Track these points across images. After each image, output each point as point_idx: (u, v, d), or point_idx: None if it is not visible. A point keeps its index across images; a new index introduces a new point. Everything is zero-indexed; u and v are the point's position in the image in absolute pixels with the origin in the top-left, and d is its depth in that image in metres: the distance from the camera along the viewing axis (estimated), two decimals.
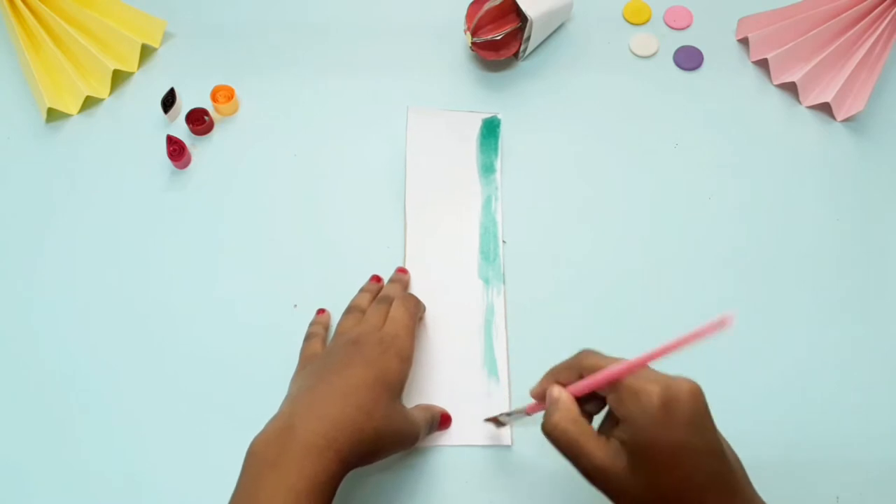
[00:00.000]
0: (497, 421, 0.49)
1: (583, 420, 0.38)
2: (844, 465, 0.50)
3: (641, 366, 0.35)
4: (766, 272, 0.55)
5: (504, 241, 0.56)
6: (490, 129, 0.59)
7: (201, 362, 0.52)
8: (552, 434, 0.38)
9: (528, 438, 0.49)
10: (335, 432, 0.38)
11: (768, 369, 0.52)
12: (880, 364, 0.53)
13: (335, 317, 0.53)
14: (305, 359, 0.49)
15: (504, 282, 0.54)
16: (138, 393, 0.51)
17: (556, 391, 0.39)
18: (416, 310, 0.49)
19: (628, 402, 0.36)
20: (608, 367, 0.37)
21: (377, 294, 0.52)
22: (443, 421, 0.49)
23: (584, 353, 0.40)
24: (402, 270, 0.54)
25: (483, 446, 0.49)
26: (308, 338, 0.51)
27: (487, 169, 0.58)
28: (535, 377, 0.50)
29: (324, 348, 0.49)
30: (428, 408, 0.48)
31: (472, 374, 0.51)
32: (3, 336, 0.53)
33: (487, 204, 0.57)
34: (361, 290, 0.52)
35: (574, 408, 0.38)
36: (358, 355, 0.43)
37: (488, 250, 0.55)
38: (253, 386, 0.51)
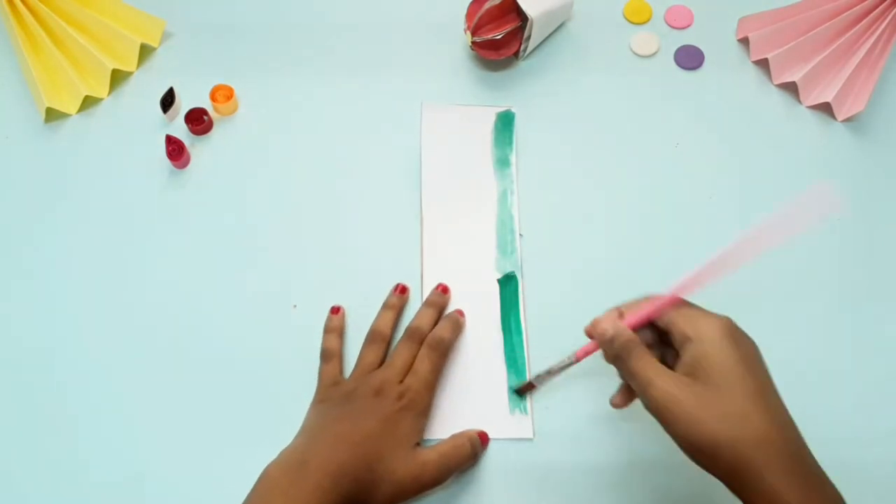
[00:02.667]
0: (529, 387, 0.50)
1: (646, 350, 0.40)
2: (844, 465, 0.49)
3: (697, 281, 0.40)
4: (766, 272, 0.55)
5: (521, 235, 0.56)
6: (505, 123, 0.59)
7: (200, 362, 0.52)
8: (619, 358, 0.41)
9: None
10: (341, 477, 0.42)
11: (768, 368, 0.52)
12: (880, 364, 0.53)
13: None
14: (325, 388, 0.49)
15: (522, 275, 0.54)
16: (137, 393, 0.51)
17: (614, 326, 0.41)
18: (443, 363, 0.50)
19: (695, 327, 0.39)
20: (657, 299, 0.41)
21: (400, 311, 0.52)
22: (482, 441, 0.49)
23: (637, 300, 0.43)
24: (443, 289, 0.53)
25: (505, 440, 0.49)
26: (325, 357, 0.51)
27: (502, 163, 0.58)
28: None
29: (341, 372, 0.50)
30: (458, 444, 0.47)
31: (493, 368, 0.51)
32: (1, 336, 0.53)
33: (503, 198, 0.57)
34: (384, 307, 0.52)
35: (634, 337, 0.41)
36: (375, 407, 0.46)
37: (505, 244, 0.55)
38: (252, 386, 0.51)
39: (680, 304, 0.41)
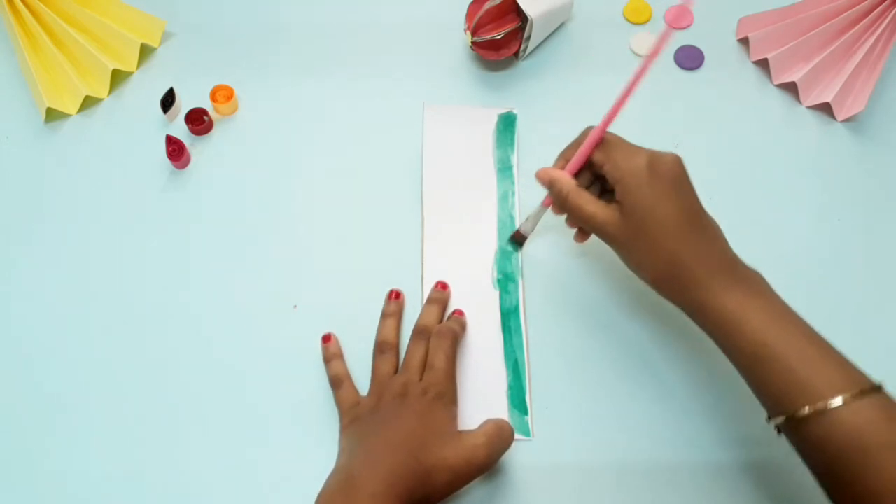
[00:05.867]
0: (519, 237, 0.54)
1: (581, 189, 0.47)
2: None
3: (614, 112, 0.45)
4: (766, 272, 0.55)
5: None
6: (507, 124, 0.59)
7: (200, 362, 0.52)
8: (560, 197, 0.47)
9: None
10: (393, 478, 0.41)
11: None
12: (881, 363, 0.53)
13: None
14: (347, 410, 0.49)
15: (522, 276, 0.54)
16: (136, 394, 0.51)
17: (553, 173, 0.48)
18: (455, 349, 0.50)
19: (621, 165, 0.44)
20: (590, 134, 0.46)
21: (400, 316, 0.52)
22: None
23: (585, 131, 0.48)
24: (443, 286, 0.53)
25: None
26: (335, 383, 0.50)
27: (504, 164, 0.58)
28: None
29: (356, 392, 0.50)
30: (500, 425, 0.46)
31: (494, 370, 0.51)
32: (0, 336, 0.53)
33: (504, 199, 0.57)
34: (384, 316, 0.52)
35: (571, 181, 0.47)
36: (406, 408, 0.46)
37: (506, 245, 0.55)
38: (252, 386, 0.51)
39: (611, 141, 0.46)
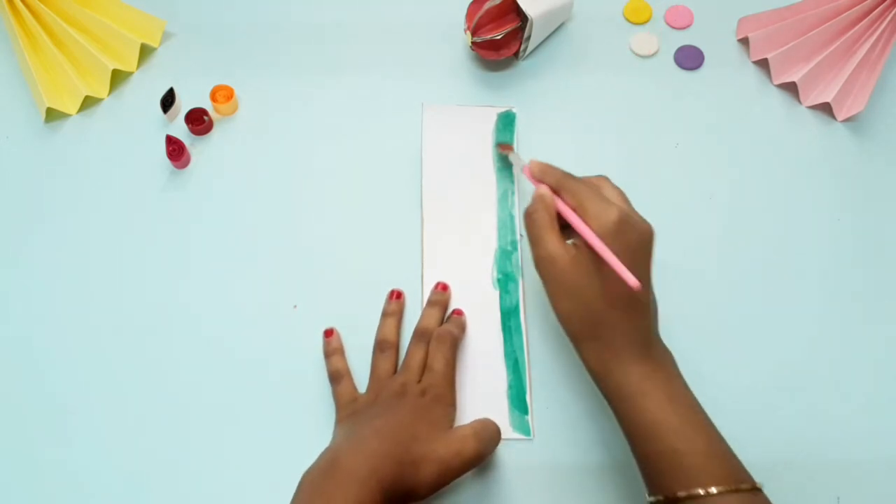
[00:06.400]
0: (506, 148, 0.55)
1: (555, 220, 0.44)
2: (844, 465, 0.50)
3: (599, 247, 0.41)
4: (767, 272, 0.56)
5: (521, 235, 0.56)
6: (506, 123, 0.59)
7: (200, 363, 0.52)
8: (530, 217, 0.45)
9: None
10: (376, 463, 0.41)
11: (768, 369, 0.52)
12: (881, 363, 0.53)
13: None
14: (344, 406, 0.49)
15: (522, 275, 0.54)
16: (136, 394, 0.51)
17: (547, 193, 0.45)
18: (454, 353, 0.50)
19: (591, 214, 0.42)
20: (586, 231, 0.42)
21: (401, 316, 0.53)
22: None
23: (578, 189, 0.44)
24: (443, 287, 0.53)
25: (505, 440, 0.49)
26: (335, 378, 0.50)
27: (503, 163, 0.58)
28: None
29: (355, 388, 0.50)
30: (485, 421, 0.46)
31: (494, 369, 0.51)
32: (0, 337, 0.53)
33: (504, 198, 0.57)
34: (385, 315, 0.52)
35: (553, 209, 0.44)
36: (403, 404, 0.46)
37: (506, 244, 0.55)
38: (252, 386, 0.51)
39: (583, 189, 0.44)
